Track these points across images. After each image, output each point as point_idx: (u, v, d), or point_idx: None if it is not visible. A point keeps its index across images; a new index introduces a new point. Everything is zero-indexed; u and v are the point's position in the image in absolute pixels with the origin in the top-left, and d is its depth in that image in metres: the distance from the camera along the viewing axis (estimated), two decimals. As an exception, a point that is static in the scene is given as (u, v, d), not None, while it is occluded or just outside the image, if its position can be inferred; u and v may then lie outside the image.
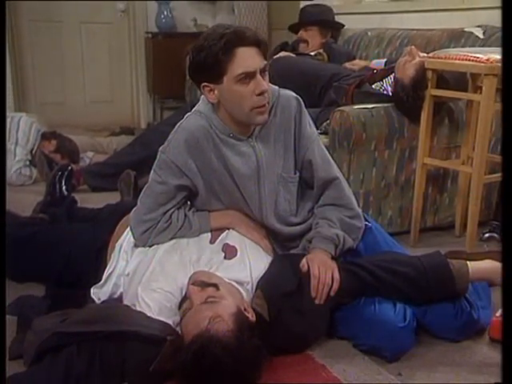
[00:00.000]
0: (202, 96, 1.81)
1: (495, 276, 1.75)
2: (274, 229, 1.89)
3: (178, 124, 1.82)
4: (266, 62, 1.70)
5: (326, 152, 1.93)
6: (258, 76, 1.67)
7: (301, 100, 1.86)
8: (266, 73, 1.72)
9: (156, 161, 1.83)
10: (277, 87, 1.85)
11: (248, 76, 1.66)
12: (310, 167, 1.87)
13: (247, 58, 1.65)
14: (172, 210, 1.84)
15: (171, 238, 1.84)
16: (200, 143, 1.78)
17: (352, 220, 1.88)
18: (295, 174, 1.89)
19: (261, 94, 1.68)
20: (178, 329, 1.62)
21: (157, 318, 1.61)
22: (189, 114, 1.84)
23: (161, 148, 1.82)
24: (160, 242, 1.83)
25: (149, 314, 1.62)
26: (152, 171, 1.84)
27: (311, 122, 1.90)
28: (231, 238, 1.84)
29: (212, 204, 1.88)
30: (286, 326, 1.65)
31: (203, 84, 1.72)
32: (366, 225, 1.93)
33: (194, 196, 1.88)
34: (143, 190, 1.88)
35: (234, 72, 1.65)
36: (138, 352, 1.51)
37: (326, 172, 1.88)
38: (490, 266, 1.79)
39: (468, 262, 1.77)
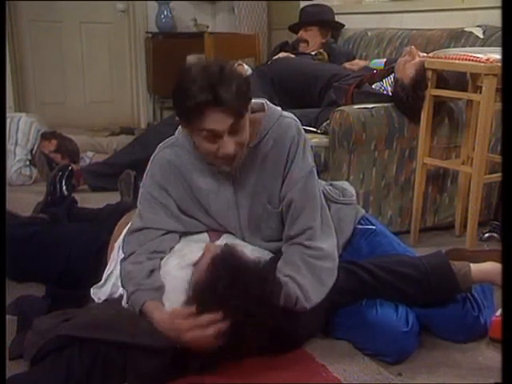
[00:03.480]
0: None
1: (497, 277, 1.74)
2: (259, 246, 1.82)
3: (153, 155, 1.76)
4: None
5: (312, 196, 1.71)
6: (226, 138, 1.55)
7: (301, 129, 1.71)
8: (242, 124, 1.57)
9: (139, 196, 1.79)
10: (279, 109, 1.72)
11: (215, 135, 1.55)
12: (288, 209, 1.71)
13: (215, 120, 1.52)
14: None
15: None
16: (174, 174, 1.73)
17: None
18: (279, 206, 1.73)
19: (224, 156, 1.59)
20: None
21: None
22: (165, 142, 1.77)
23: (141, 183, 1.79)
24: None
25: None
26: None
27: (308, 154, 1.71)
28: (230, 239, 1.83)
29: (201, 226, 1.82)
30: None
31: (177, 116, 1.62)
32: (370, 228, 1.91)
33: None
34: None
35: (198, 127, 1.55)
36: (140, 360, 1.50)
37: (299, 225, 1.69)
38: (491, 268, 1.77)
39: (470, 264, 1.77)
